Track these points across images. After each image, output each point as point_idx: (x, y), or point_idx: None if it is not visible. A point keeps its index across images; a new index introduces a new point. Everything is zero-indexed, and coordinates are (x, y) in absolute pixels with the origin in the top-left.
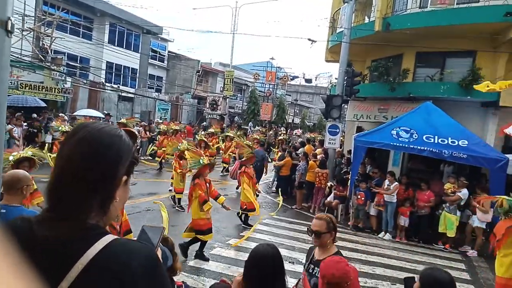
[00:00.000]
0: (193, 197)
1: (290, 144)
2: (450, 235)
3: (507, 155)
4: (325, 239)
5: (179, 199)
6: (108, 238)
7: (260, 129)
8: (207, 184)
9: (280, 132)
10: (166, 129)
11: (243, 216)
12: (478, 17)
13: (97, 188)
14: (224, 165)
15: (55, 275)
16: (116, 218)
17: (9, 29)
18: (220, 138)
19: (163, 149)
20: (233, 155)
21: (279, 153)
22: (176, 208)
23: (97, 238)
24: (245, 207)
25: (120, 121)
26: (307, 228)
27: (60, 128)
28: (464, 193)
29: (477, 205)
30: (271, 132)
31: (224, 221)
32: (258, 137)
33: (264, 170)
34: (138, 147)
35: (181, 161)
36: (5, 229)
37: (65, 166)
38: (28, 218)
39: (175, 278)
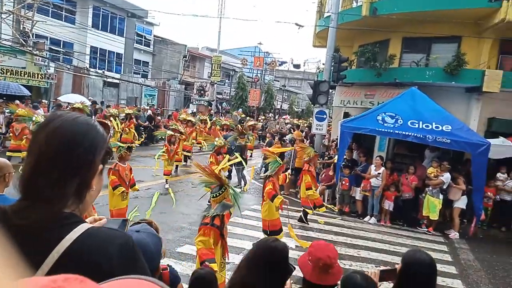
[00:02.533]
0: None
1: (267, 130)
2: (433, 218)
3: (489, 140)
4: None
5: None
6: (84, 226)
7: (237, 114)
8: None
9: (255, 118)
10: (116, 113)
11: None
12: (464, 2)
13: (73, 176)
14: (186, 153)
15: (31, 265)
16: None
17: None
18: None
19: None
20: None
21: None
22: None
23: (72, 226)
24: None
25: (74, 105)
26: None
27: (34, 119)
28: (446, 177)
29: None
30: (238, 115)
31: None
32: (228, 123)
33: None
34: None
35: (218, 157)
36: None
37: (40, 155)
38: (3, 207)
39: (161, 261)
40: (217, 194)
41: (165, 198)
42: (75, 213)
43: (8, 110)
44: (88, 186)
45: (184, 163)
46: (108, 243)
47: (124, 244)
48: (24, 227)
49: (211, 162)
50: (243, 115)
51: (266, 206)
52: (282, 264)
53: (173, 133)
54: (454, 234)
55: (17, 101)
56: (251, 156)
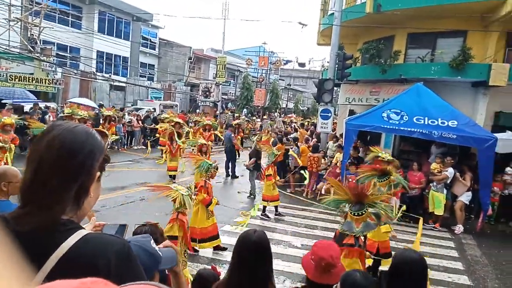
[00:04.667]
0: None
1: (262, 131)
2: (438, 213)
3: (496, 134)
4: None
5: (264, 207)
6: (82, 232)
7: (226, 112)
8: None
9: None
10: (86, 115)
11: None
12: None
13: (72, 183)
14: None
15: (30, 270)
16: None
17: None
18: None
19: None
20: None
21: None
22: (261, 216)
23: (70, 232)
24: None
25: (65, 114)
26: None
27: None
28: (450, 171)
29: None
30: (229, 113)
31: (217, 209)
32: (211, 123)
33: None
34: (130, 137)
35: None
36: None
37: (40, 162)
38: (3, 215)
39: None
40: (361, 213)
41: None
42: (73, 219)
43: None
44: (86, 193)
45: None
46: (105, 249)
47: (120, 250)
48: (24, 233)
49: (269, 175)
50: (228, 113)
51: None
52: (268, 252)
53: (204, 143)
54: (459, 228)
55: (26, 109)
56: (239, 156)
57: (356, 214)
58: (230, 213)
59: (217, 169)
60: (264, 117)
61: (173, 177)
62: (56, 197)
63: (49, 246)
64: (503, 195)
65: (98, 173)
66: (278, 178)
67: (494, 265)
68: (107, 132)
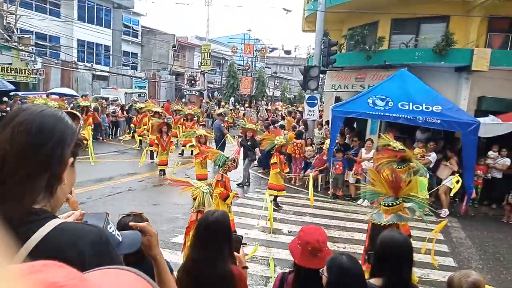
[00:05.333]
0: None
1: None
2: (423, 197)
3: (479, 119)
4: None
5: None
6: (55, 222)
7: (207, 101)
8: None
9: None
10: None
11: None
12: None
13: (42, 172)
14: (140, 138)
15: None
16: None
17: None
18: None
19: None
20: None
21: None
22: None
23: (42, 222)
24: None
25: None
26: None
27: None
28: (433, 156)
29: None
30: (212, 102)
31: None
32: (193, 112)
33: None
34: (115, 127)
35: (281, 156)
36: None
37: (7, 149)
38: None
39: None
40: (391, 204)
41: (158, 190)
42: (46, 208)
43: None
44: (58, 181)
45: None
46: (79, 238)
47: (96, 239)
48: None
49: (274, 163)
50: (210, 103)
51: None
52: (225, 231)
53: (202, 134)
54: (444, 212)
55: (5, 98)
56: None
57: (386, 205)
58: None
59: (234, 161)
60: (246, 105)
61: (163, 172)
62: (26, 187)
63: (20, 237)
64: (486, 178)
65: (71, 159)
66: (288, 170)
67: (478, 247)
68: (78, 114)
